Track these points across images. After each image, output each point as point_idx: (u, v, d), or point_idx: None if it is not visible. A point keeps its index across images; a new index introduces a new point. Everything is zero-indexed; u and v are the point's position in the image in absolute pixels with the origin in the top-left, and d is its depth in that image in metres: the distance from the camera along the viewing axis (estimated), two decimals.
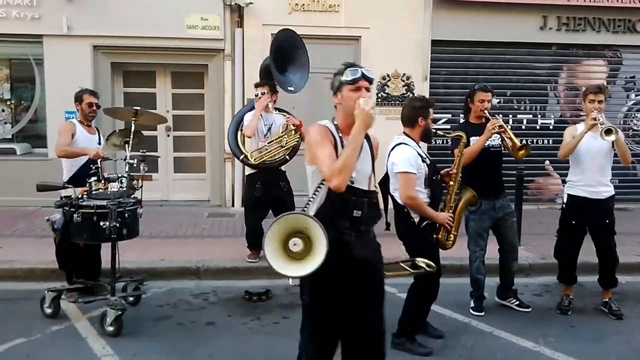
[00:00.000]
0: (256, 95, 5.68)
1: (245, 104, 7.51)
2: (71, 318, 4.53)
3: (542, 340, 4.23)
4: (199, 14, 8.38)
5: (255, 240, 5.80)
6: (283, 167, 5.72)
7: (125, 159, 4.47)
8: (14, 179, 7.95)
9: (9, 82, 8.89)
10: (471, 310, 4.73)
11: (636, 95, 9.59)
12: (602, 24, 9.14)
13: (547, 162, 9.29)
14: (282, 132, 5.63)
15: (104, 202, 4.19)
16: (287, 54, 5.83)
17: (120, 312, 4.15)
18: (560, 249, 4.86)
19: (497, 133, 4.54)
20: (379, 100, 8.65)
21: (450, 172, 4.16)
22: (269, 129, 5.64)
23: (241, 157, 5.64)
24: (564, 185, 4.97)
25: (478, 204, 4.40)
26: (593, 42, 9.23)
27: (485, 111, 4.60)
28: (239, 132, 5.69)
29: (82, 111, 4.99)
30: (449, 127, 8.26)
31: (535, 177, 9.30)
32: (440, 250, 4.04)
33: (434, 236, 3.99)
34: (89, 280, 4.75)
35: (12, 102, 8.91)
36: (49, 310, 4.49)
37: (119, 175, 4.45)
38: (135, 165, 4.48)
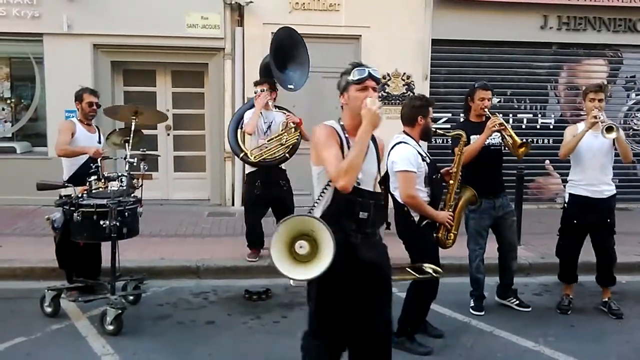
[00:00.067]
0: (255, 93, 5.69)
1: (245, 102, 7.51)
2: (71, 317, 4.53)
3: (542, 339, 4.23)
4: (199, 12, 8.37)
5: (255, 240, 5.81)
6: (283, 166, 5.72)
7: (125, 158, 4.46)
8: (14, 177, 7.95)
9: (9, 80, 8.88)
10: (471, 310, 4.73)
11: (636, 95, 9.58)
12: (602, 23, 9.14)
13: (547, 161, 9.29)
14: (282, 130, 5.62)
15: (104, 201, 4.19)
16: (287, 52, 5.83)
17: (120, 311, 4.15)
18: (562, 248, 4.86)
19: (497, 131, 4.54)
20: (379, 99, 8.62)
21: (451, 170, 4.16)
22: (269, 127, 5.64)
23: (241, 155, 5.64)
24: (564, 185, 4.97)
25: (478, 202, 4.40)
26: (593, 41, 9.23)
27: (486, 109, 4.60)
28: (239, 130, 5.69)
29: (82, 110, 4.99)
30: (449, 126, 8.27)
31: (536, 176, 9.30)
32: (440, 249, 4.04)
33: (434, 235, 3.99)
34: (89, 279, 4.76)
35: (12, 100, 8.91)
36: (49, 309, 4.49)
37: (119, 174, 4.45)
38: (135, 164, 4.48)
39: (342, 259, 2.48)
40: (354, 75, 2.69)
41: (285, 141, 5.59)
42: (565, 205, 4.83)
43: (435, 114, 4.84)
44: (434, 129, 4.16)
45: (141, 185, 4.59)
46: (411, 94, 8.23)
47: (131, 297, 4.77)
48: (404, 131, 4.00)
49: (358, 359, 2.79)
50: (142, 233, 4.72)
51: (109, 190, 4.33)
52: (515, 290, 4.94)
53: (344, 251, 2.50)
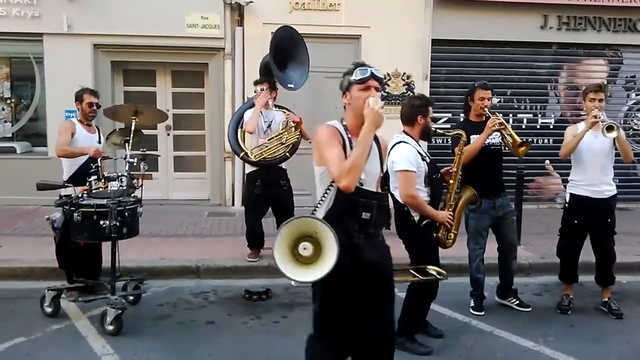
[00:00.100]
0: (255, 92, 5.69)
1: (245, 102, 7.51)
2: (71, 317, 4.53)
3: (542, 339, 4.23)
4: (200, 12, 8.37)
5: (255, 240, 5.80)
6: (284, 165, 5.72)
7: (125, 158, 4.46)
8: (14, 177, 7.95)
9: (9, 80, 8.88)
10: (471, 310, 4.73)
11: (636, 95, 9.58)
12: (602, 23, 9.14)
13: (547, 161, 9.29)
14: (282, 129, 5.63)
15: (104, 201, 4.19)
16: (287, 52, 5.83)
17: (120, 311, 4.15)
18: (563, 248, 4.86)
19: (497, 130, 4.54)
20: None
21: (451, 170, 4.16)
22: (269, 126, 5.64)
23: (241, 154, 5.63)
24: (564, 185, 4.98)
25: (478, 202, 4.40)
26: (593, 41, 9.23)
27: (485, 109, 4.60)
28: (239, 130, 5.69)
29: (82, 111, 4.99)
30: (449, 126, 8.27)
31: (536, 176, 9.29)
32: (440, 249, 4.04)
33: (434, 235, 3.99)
34: (89, 279, 4.75)
35: (12, 100, 8.91)
36: (49, 309, 4.49)
37: (119, 174, 4.45)
38: (135, 164, 4.48)
39: (345, 259, 2.48)
40: (357, 75, 2.68)
41: (286, 140, 5.59)
42: (566, 205, 4.83)
43: (435, 114, 4.85)
44: (433, 129, 4.16)
45: (141, 185, 4.59)
46: (411, 94, 8.23)
47: (131, 297, 4.77)
48: (403, 131, 4.00)
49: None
50: (142, 233, 4.72)
51: (109, 190, 4.33)
52: (516, 290, 4.94)
53: (346, 252, 2.50)
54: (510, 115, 9.15)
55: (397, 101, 8.54)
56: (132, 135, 4.63)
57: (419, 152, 3.89)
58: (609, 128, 4.36)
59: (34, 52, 8.54)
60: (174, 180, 9.07)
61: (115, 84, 8.74)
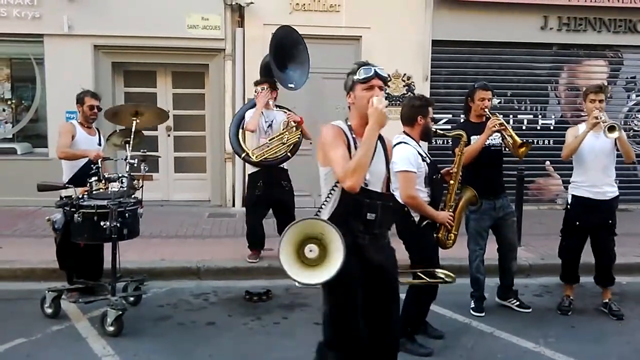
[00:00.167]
0: (256, 92, 5.70)
1: (246, 103, 7.52)
2: (72, 318, 4.53)
3: (543, 340, 4.22)
4: (200, 13, 8.38)
5: (255, 241, 5.81)
6: (285, 166, 5.72)
7: (125, 159, 4.46)
8: (14, 178, 7.95)
9: (9, 81, 8.89)
10: (471, 311, 4.73)
11: (637, 96, 9.58)
12: (602, 24, 9.14)
13: (547, 162, 9.28)
14: (283, 129, 5.63)
15: (105, 202, 4.18)
16: (286, 51, 5.83)
17: (120, 312, 4.15)
18: (565, 249, 4.85)
19: (498, 131, 4.53)
20: None
21: (451, 171, 4.16)
22: (270, 126, 5.64)
23: (243, 155, 5.64)
24: (564, 186, 4.98)
25: (479, 203, 4.40)
26: (594, 42, 9.23)
27: (486, 110, 4.60)
28: (240, 131, 5.69)
29: (83, 113, 4.99)
30: (449, 127, 8.26)
31: (536, 177, 9.28)
32: (440, 249, 4.04)
33: (434, 235, 3.99)
34: (89, 280, 4.75)
35: (13, 101, 8.92)
36: (49, 310, 4.49)
37: (120, 175, 4.45)
38: (135, 165, 4.48)
39: (352, 261, 2.46)
40: (360, 75, 2.67)
41: (287, 140, 5.59)
42: (568, 206, 4.83)
43: (435, 115, 4.84)
44: (434, 129, 4.16)
45: (142, 186, 4.59)
46: (411, 95, 8.24)
47: (132, 298, 4.77)
48: (404, 131, 4.00)
49: None
50: (142, 234, 4.71)
51: (110, 191, 4.34)
52: (516, 291, 4.94)
53: (352, 253, 2.48)
54: (511, 116, 9.15)
55: (398, 102, 8.54)
56: (132, 136, 4.63)
57: (419, 153, 3.89)
58: (611, 128, 4.36)
59: (34, 53, 8.55)
60: (174, 181, 9.07)
61: (115, 85, 8.74)
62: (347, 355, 2.68)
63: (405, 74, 8.80)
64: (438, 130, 4.34)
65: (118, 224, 4.15)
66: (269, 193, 5.64)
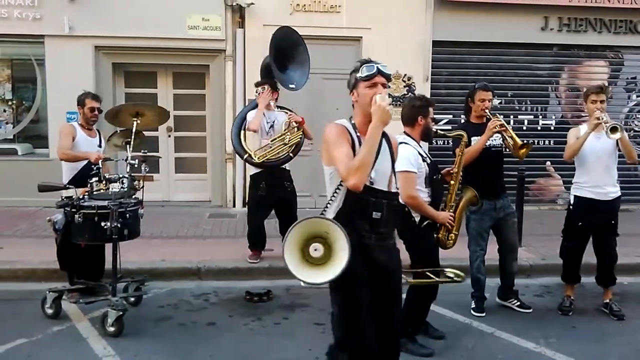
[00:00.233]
0: (257, 93, 5.70)
1: (247, 104, 7.52)
2: (72, 318, 4.53)
3: (543, 341, 4.22)
4: (200, 14, 8.39)
5: (257, 241, 5.80)
6: (287, 166, 5.72)
7: (126, 160, 4.46)
8: (15, 179, 7.96)
9: (10, 82, 8.91)
10: (472, 311, 4.73)
11: (637, 96, 9.58)
12: (603, 24, 9.14)
13: (548, 163, 9.27)
14: (284, 130, 5.63)
15: (105, 203, 4.19)
16: (286, 52, 5.84)
17: (121, 313, 4.15)
18: (567, 249, 4.85)
19: (498, 132, 4.53)
20: None
21: (451, 171, 4.16)
22: (272, 126, 5.64)
23: (245, 156, 5.64)
24: (565, 187, 4.97)
25: (479, 203, 4.39)
26: (594, 42, 9.23)
27: (486, 111, 4.60)
28: (242, 132, 5.69)
29: (83, 115, 5.00)
30: (450, 128, 8.26)
31: (537, 178, 9.27)
32: (440, 250, 4.04)
33: (435, 235, 3.99)
34: (90, 281, 4.75)
35: (14, 102, 8.93)
36: (50, 311, 4.49)
37: (120, 175, 4.45)
38: (136, 165, 4.48)
39: (357, 260, 2.46)
40: (363, 72, 2.65)
41: (289, 141, 5.59)
42: (570, 207, 4.83)
43: (436, 116, 4.84)
44: (434, 130, 4.16)
45: (142, 187, 4.59)
46: (412, 95, 8.24)
47: (132, 299, 4.77)
48: (404, 132, 4.00)
49: None
50: (143, 234, 4.71)
51: (110, 191, 4.34)
52: (516, 292, 4.93)
53: (358, 252, 2.48)
54: (511, 116, 9.15)
55: (398, 103, 8.54)
56: (133, 136, 4.63)
57: (420, 153, 3.89)
58: (613, 129, 4.36)
59: (35, 53, 8.55)
60: (175, 182, 9.07)
61: (116, 86, 8.75)
62: (358, 356, 2.67)
63: (405, 75, 8.81)
64: (438, 131, 4.34)
65: (119, 225, 4.15)
66: (272, 193, 5.64)
